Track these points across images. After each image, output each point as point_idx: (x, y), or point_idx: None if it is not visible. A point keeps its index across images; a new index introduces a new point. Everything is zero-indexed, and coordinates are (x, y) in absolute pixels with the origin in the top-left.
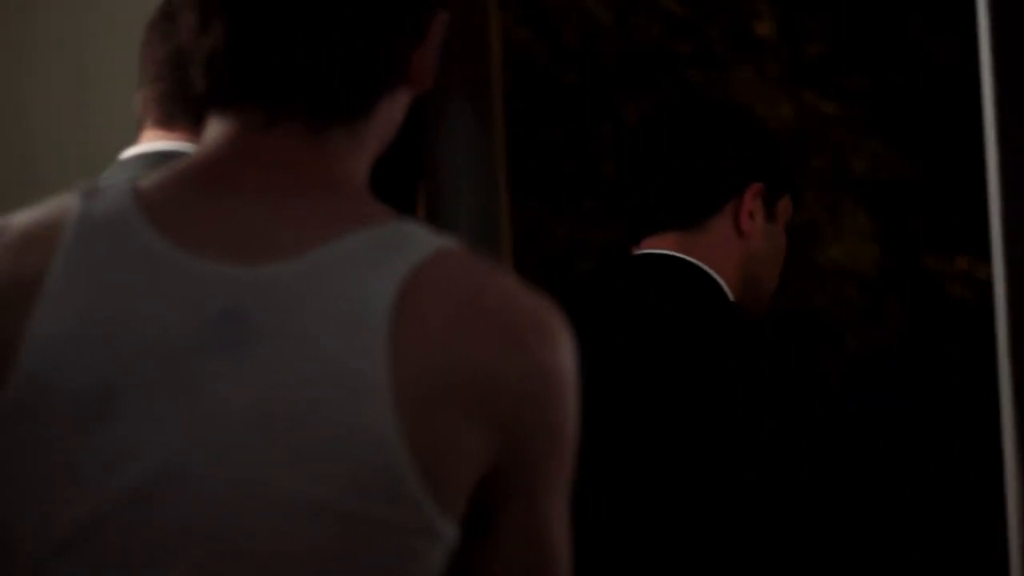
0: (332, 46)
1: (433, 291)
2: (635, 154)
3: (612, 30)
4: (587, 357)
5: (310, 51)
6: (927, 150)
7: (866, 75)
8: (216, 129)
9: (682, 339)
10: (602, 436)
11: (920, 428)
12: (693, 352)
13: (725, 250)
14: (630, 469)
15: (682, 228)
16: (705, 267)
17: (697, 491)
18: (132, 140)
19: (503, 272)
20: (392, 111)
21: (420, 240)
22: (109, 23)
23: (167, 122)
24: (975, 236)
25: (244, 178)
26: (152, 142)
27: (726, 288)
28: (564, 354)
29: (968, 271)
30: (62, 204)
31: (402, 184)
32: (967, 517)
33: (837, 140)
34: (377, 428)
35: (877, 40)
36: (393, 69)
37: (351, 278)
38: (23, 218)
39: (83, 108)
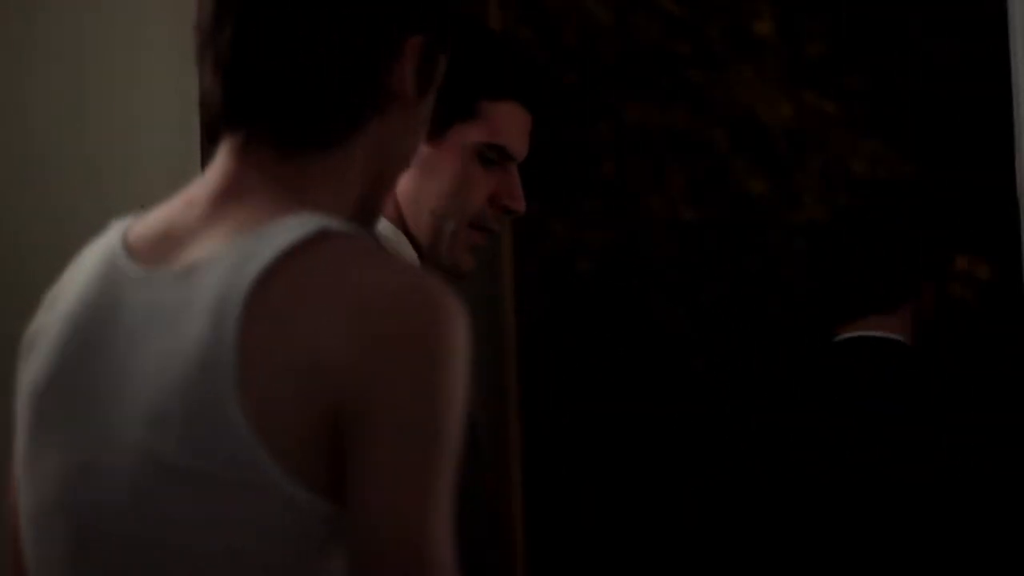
0: (288, 77)
1: (296, 273)
2: (833, 255)
3: (612, 30)
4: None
5: (272, 82)
6: (927, 150)
7: (866, 75)
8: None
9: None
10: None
11: (920, 428)
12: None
13: (909, 329)
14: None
15: (881, 312)
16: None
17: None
18: (132, 140)
19: (384, 257)
20: (386, 133)
21: (302, 225)
22: (109, 23)
23: None
24: (975, 236)
25: (209, 198)
26: None
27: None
28: (433, 338)
29: (968, 271)
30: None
31: None
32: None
33: (837, 140)
34: (224, 405)
35: (877, 40)
36: (358, 95)
37: (235, 265)
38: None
39: (83, 108)
